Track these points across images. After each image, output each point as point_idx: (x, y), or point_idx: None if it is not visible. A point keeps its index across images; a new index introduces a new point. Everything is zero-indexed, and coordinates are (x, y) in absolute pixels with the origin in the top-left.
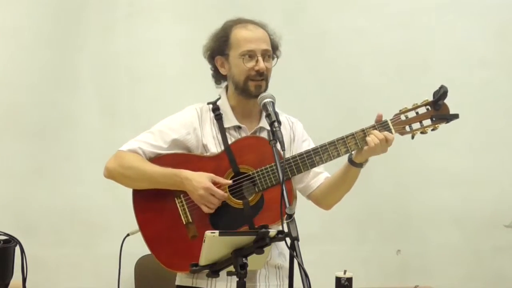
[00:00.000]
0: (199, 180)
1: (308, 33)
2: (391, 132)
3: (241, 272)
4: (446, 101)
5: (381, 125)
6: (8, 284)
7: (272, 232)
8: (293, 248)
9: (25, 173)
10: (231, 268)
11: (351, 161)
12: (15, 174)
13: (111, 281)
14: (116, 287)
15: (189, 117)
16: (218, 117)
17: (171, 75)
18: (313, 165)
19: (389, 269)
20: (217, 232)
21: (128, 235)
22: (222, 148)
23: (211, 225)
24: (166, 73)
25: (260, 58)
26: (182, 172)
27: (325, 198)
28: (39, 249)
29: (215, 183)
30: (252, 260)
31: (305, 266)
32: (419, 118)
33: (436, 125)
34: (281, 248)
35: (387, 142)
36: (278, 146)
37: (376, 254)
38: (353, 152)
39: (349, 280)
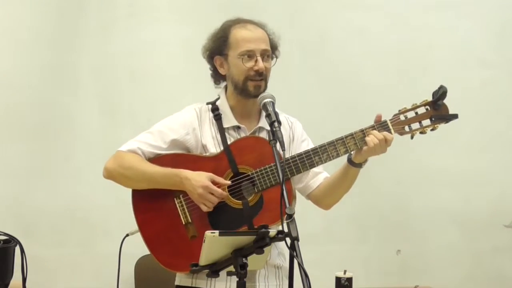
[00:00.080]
0: (198, 179)
1: (308, 33)
2: (390, 132)
3: (241, 272)
4: (446, 101)
5: (380, 125)
6: (8, 284)
7: (272, 232)
8: (293, 248)
9: (25, 173)
10: (231, 268)
11: (350, 161)
12: (15, 174)
13: (111, 281)
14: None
15: (188, 117)
16: (217, 117)
17: (171, 75)
18: (312, 165)
19: (389, 269)
20: (217, 232)
21: (127, 235)
22: (221, 148)
23: (211, 225)
24: (166, 73)
25: (259, 58)
26: (181, 172)
27: (324, 198)
28: (39, 249)
29: (214, 183)
30: (252, 260)
31: (305, 266)
32: (419, 118)
33: (436, 125)
34: (280, 248)
35: (386, 142)
36: (278, 146)
37: (376, 254)
38: (352, 152)
39: (349, 280)
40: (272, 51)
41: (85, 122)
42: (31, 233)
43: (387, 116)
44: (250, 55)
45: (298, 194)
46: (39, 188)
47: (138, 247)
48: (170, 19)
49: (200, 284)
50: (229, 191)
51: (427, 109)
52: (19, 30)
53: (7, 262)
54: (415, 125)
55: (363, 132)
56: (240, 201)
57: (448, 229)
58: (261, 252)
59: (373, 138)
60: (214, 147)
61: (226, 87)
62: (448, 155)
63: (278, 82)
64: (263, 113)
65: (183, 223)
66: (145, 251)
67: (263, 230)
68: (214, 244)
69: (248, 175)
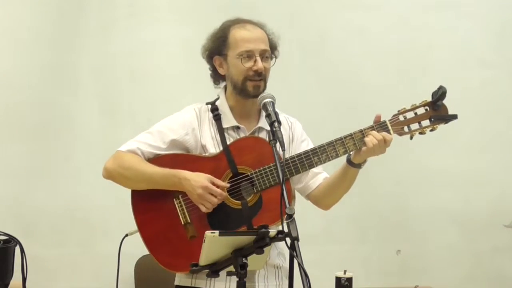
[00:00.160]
0: (198, 180)
1: (308, 33)
2: (389, 133)
3: (241, 272)
4: (446, 101)
5: (379, 125)
6: (8, 284)
7: (272, 232)
8: (293, 248)
9: (25, 173)
10: (231, 268)
11: (349, 161)
12: (15, 174)
13: (111, 281)
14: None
15: (187, 117)
16: (217, 117)
17: (171, 75)
18: (311, 165)
19: (389, 269)
20: (217, 232)
21: (126, 235)
22: (221, 148)
23: (210, 226)
24: (166, 73)
25: (258, 58)
26: (180, 172)
27: (324, 199)
28: (39, 249)
29: (213, 184)
30: (252, 260)
31: (305, 266)
32: (418, 118)
33: (435, 126)
34: (280, 248)
35: (385, 143)
36: (278, 146)
37: (376, 254)
38: (351, 153)
39: (349, 280)
40: (271, 51)
41: (85, 122)
42: (31, 233)
43: (387, 116)
44: (249, 55)
45: (297, 194)
46: (39, 188)
47: (137, 247)
48: (170, 19)
49: (199, 284)
50: (228, 191)
51: (426, 110)
52: (19, 30)
53: (7, 262)
54: (414, 126)
55: (362, 133)
56: (239, 202)
57: (448, 229)
58: (261, 252)
59: (372, 138)
60: (213, 147)
61: (225, 87)
62: (448, 156)
63: (278, 82)
64: (263, 113)
65: (182, 223)
66: (145, 251)
67: (263, 230)
68: (214, 244)
69: (247, 175)
